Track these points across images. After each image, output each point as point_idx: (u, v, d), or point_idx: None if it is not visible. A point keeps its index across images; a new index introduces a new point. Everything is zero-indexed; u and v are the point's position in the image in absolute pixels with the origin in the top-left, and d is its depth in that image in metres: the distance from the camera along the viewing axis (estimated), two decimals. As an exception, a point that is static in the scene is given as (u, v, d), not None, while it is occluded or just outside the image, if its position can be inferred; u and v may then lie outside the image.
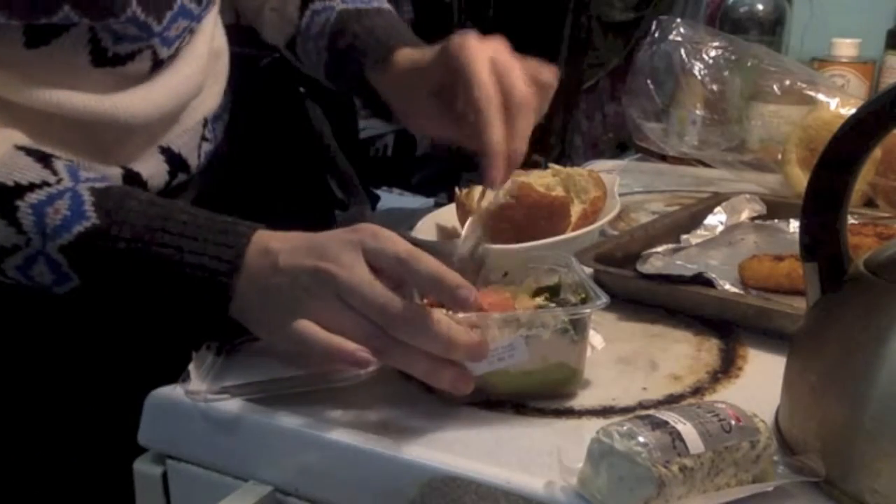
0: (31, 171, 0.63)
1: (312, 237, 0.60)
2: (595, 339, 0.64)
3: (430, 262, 0.57)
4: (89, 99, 0.72)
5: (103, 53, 0.71)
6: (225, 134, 0.93)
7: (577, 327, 0.60)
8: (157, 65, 0.76)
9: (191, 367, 0.62)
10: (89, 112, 0.72)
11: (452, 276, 0.56)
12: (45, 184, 0.62)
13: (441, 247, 0.79)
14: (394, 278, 0.58)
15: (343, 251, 0.58)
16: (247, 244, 0.60)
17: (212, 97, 0.86)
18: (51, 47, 0.68)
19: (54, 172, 0.63)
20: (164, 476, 0.62)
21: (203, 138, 0.85)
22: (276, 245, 0.60)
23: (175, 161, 0.81)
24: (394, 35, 0.84)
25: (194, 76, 0.81)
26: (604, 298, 0.60)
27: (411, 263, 0.57)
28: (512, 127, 0.67)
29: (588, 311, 0.60)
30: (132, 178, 0.77)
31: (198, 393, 0.60)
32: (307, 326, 0.57)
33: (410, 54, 0.80)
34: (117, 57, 0.72)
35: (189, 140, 0.83)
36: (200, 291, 0.60)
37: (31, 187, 0.62)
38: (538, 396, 0.61)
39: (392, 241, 0.58)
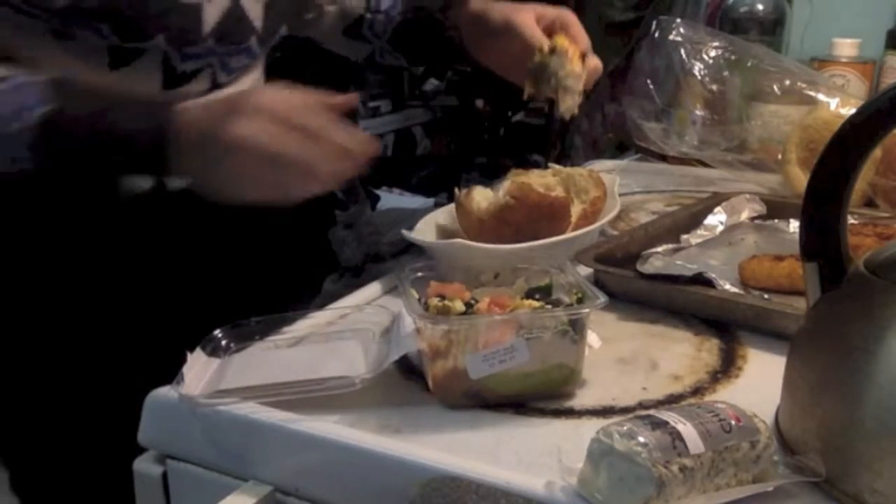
0: None
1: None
2: (591, 338, 0.64)
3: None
4: None
5: (172, 72, 0.77)
6: None
7: (577, 327, 0.60)
8: (215, 87, 0.82)
9: (184, 369, 0.62)
10: None
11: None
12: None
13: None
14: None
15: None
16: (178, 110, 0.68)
17: None
18: (130, 68, 0.74)
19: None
20: (164, 476, 0.62)
21: None
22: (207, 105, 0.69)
23: None
24: None
25: None
26: (602, 298, 0.61)
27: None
28: None
29: (587, 310, 0.60)
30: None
31: (191, 397, 0.60)
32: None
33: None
34: (184, 75, 0.78)
35: None
36: (143, 128, 0.67)
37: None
38: (537, 397, 0.61)
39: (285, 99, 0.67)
